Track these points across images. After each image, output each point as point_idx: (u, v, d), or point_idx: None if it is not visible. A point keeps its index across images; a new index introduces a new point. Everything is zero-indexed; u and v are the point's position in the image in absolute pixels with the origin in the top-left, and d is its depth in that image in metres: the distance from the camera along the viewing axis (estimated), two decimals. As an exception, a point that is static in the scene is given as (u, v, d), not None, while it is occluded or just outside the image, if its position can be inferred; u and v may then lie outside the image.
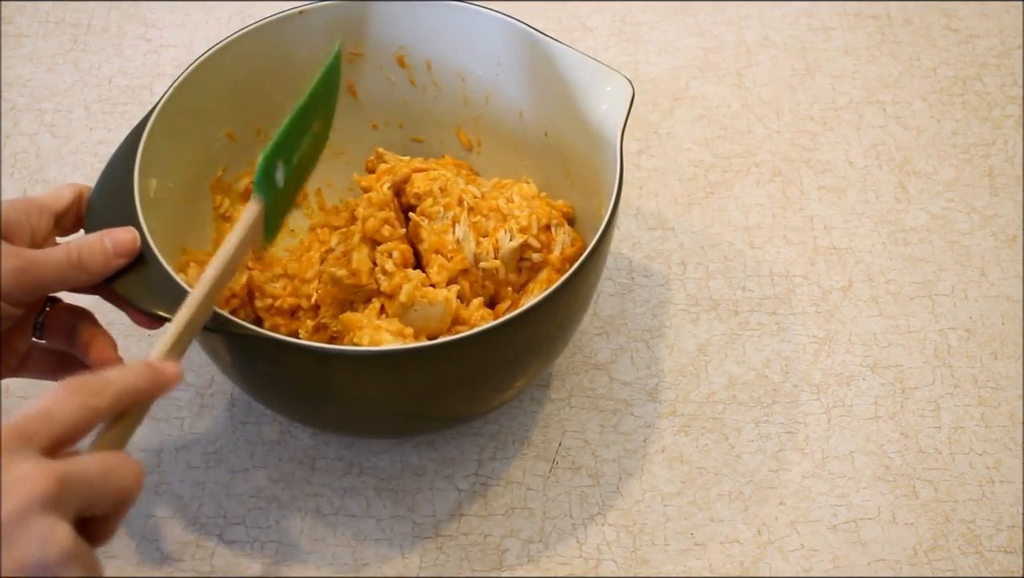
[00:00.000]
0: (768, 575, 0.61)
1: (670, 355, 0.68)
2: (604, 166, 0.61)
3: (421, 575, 0.61)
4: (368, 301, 0.63)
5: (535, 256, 0.63)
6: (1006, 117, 0.76)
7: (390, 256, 0.63)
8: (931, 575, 0.61)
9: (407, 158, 0.68)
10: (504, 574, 0.61)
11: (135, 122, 0.74)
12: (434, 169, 0.66)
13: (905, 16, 0.81)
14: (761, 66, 0.78)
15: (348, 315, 0.61)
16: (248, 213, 0.55)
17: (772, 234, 0.72)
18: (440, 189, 0.64)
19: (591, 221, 0.63)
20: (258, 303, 0.64)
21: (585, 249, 0.61)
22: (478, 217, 0.63)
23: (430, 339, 0.62)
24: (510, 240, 0.62)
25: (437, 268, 0.63)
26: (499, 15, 0.64)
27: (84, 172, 0.73)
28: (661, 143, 0.75)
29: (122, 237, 0.55)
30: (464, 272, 0.63)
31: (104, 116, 0.75)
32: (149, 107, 0.74)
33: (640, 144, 0.75)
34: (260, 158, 0.55)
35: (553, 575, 0.61)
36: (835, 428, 0.65)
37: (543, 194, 0.65)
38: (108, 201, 0.58)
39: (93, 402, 0.45)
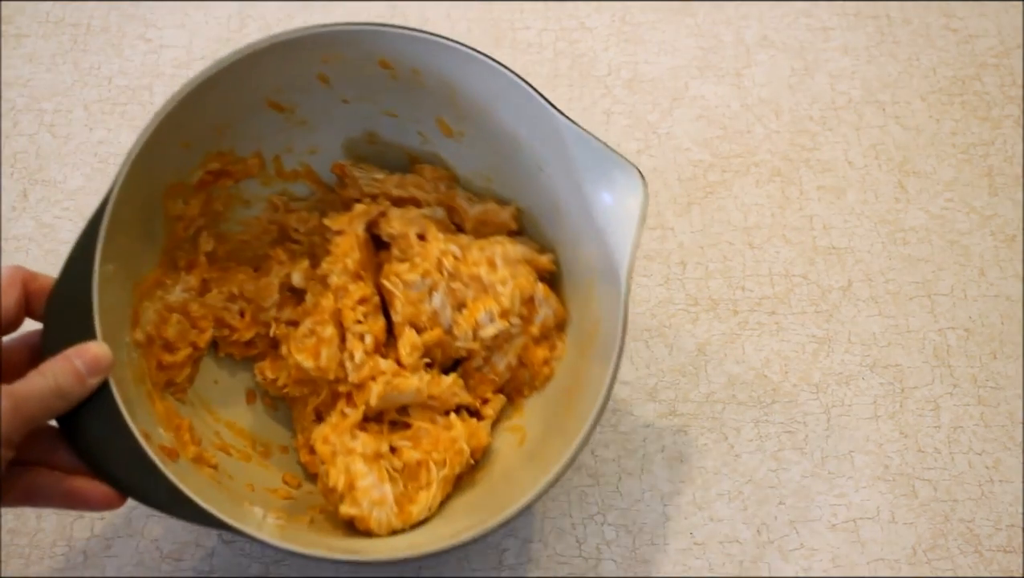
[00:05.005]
0: (768, 575, 0.61)
1: (669, 355, 0.68)
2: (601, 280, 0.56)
3: (421, 575, 0.61)
4: (333, 384, 0.60)
5: (514, 330, 0.60)
6: (1005, 117, 0.76)
7: (361, 339, 0.59)
8: (930, 575, 0.61)
9: (379, 175, 0.64)
10: (504, 574, 0.61)
11: (135, 122, 0.73)
12: (411, 209, 0.62)
13: (904, 16, 0.81)
14: (760, 66, 0.78)
15: (319, 445, 0.57)
16: None
17: (771, 234, 0.72)
18: (417, 236, 0.61)
19: (577, 273, 0.60)
20: (215, 333, 0.61)
21: (565, 320, 0.61)
22: (456, 284, 0.60)
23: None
24: (491, 322, 0.59)
25: (409, 348, 0.59)
26: (505, 71, 0.56)
27: (84, 172, 0.73)
28: (660, 143, 0.75)
29: (92, 354, 0.50)
30: (438, 343, 0.61)
31: (104, 116, 0.75)
32: (149, 107, 0.75)
33: (639, 144, 0.75)
34: None
35: (553, 575, 0.61)
36: (834, 428, 0.65)
37: (525, 258, 0.61)
38: (66, 301, 0.51)
39: None
